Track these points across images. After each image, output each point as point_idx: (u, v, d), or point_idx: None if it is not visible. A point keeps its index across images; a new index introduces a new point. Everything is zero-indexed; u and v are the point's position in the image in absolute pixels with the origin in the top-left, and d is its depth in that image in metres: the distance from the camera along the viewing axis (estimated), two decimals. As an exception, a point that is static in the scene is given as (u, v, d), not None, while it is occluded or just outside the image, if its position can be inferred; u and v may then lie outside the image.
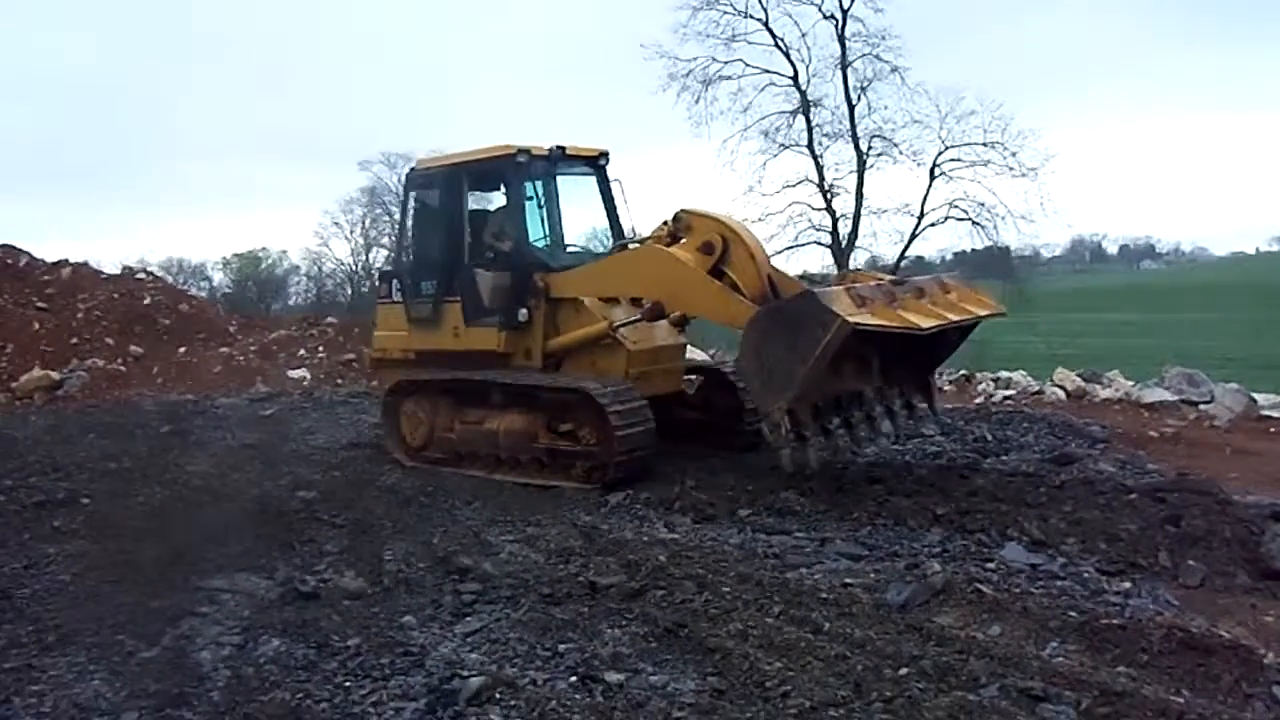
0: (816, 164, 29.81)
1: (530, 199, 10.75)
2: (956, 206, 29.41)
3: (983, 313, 8.90)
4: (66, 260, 22.63)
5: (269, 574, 6.53)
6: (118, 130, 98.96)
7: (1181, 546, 6.76)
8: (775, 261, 28.23)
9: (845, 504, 8.22)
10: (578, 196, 11.19)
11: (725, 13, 29.01)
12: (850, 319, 7.37)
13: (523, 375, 9.83)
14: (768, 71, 29.62)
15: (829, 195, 29.88)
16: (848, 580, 6.24)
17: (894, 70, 28.69)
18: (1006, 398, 16.09)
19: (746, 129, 29.64)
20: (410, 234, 11.30)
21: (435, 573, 6.54)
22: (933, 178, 29.19)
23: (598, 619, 5.67)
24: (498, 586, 6.24)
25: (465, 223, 10.56)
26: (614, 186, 10.99)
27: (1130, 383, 15.18)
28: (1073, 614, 5.59)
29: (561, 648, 5.27)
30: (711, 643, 5.20)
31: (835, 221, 30.06)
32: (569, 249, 11.00)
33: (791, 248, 30.32)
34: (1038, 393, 16.17)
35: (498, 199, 11.34)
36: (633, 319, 9.63)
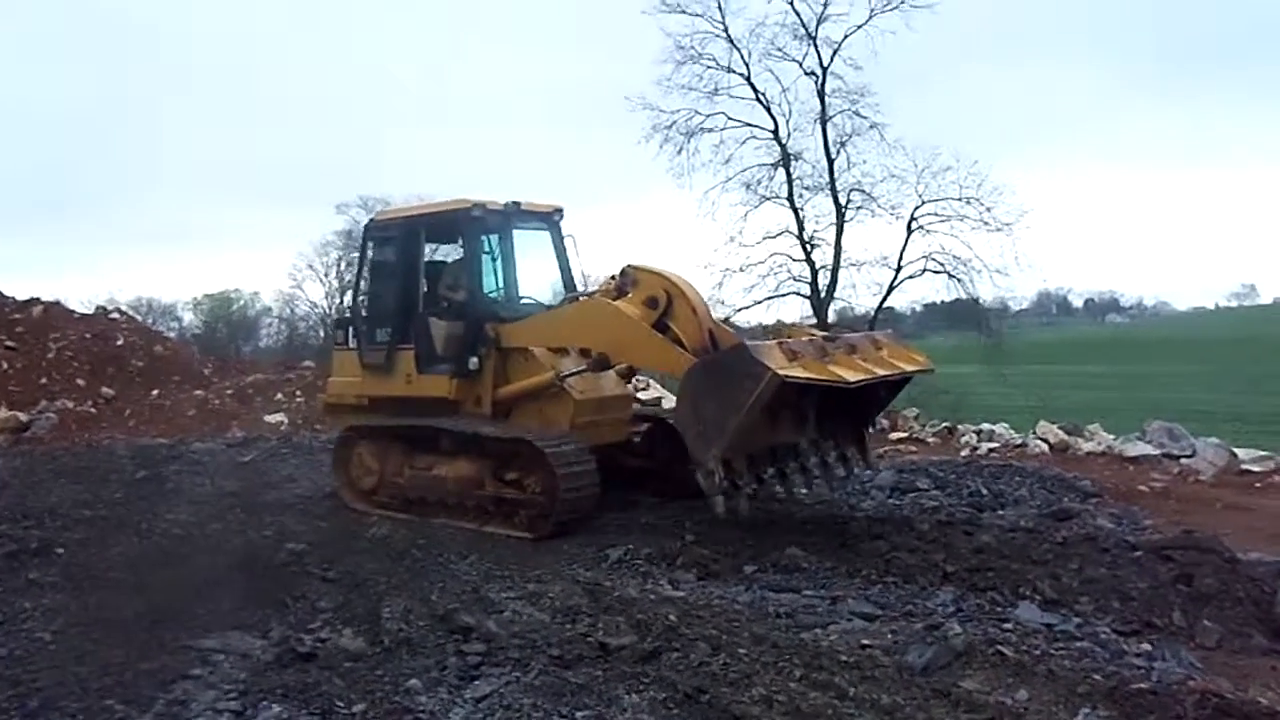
0: (796, 216, 29.95)
1: (486, 252, 10.99)
2: (933, 259, 29.67)
3: (910, 369, 9.20)
4: (38, 299, 22.20)
5: (263, 633, 6.23)
6: (85, 166, 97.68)
7: (1195, 606, 6.68)
8: (755, 311, 27.67)
9: (851, 560, 8.09)
10: (533, 251, 11.41)
11: (709, 67, 29.24)
12: (780, 371, 7.66)
13: (470, 423, 9.96)
14: (749, 125, 29.80)
15: (809, 247, 30.06)
16: (865, 641, 6.07)
17: (873, 126, 28.91)
18: (991, 450, 16.16)
19: (728, 180, 29.75)
20: (367, 283, 11.54)
21: (437, 632, 6.27)
22: (910, 231, 29.46)
23: (613, 683, 5.43)
24: (504, 647, 5.98)
25: (421, 273, 10.81)
26: (567, 241, 11.30)
27: (1111, 436, 15.25)
28: (1098, 677, 5.46)
29: (579, 715, 5.04)
30: (736, 710, 4.99)
31: (815, 273, 30.20)
32: (523, 301, 11.08)
33: (771, 298, 30.42)
34: (1020, 445, 16.18)
35: (453, 251, 11.60)
36: (578, 369, 9.84)
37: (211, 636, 6.12)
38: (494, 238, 11.05)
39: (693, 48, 29.01)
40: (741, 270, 29.82)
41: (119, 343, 21.04)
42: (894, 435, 17.85)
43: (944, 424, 18.37)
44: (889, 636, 6.19)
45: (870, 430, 10.37)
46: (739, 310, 30.51)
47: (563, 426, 9.72)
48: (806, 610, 6.79)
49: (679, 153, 29.53)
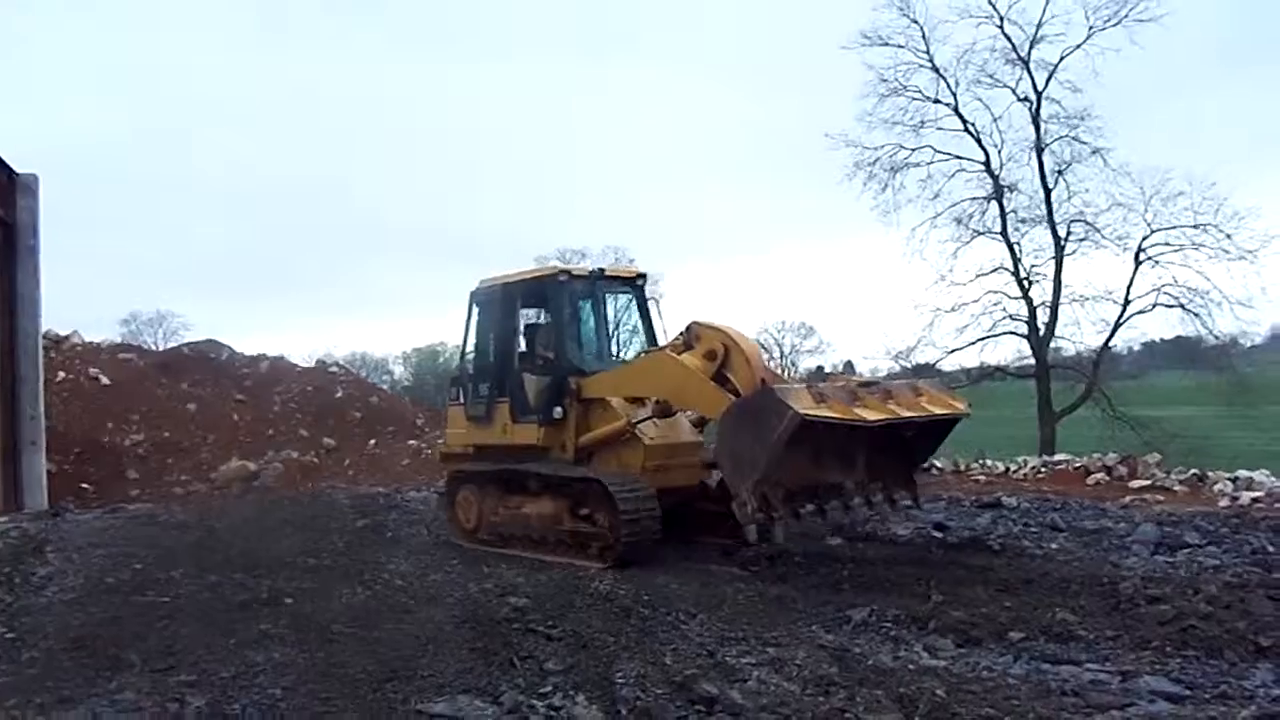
0: (1011, 251, 28.43)
1: (572, 314, 11.96)
2: (1165, 293, 27.28)
3: (941, 411, 9.73)
4: (265, 354, 23.50)
5: (493, 697, 5.80)
6: (305, 232, 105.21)
7: None
8: (970, 351, 26.66)
9: (1132, 627, 7.09)
10: (619, 312, 12.78)
11: (914, 99, 28.33)
12: (802, 411, 8.45)
13: (552, 466, 11.10)
14: (958, 157, 28.73)
15: (1026, 283, 28.25)
16: (1182, 731, 5.11)
17: (1095, 152, 27.15)
18: (1256, 501, 14.43)
19: (936, 216, 28.71)
20: (473, 343, 12.53)
21: (676, 701, 5.69)
22: (1138, 263, 27.28)
23: (885, 770, 4.72)
24: (753, 722, 5.36)
25: (518, 333, 12.16)
26: (650, 304, 12.37)
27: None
28: None
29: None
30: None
31: (1033, 311, 28.39)
32: (610, 358, 12.21)
33: (985, 338, 28.86)
34: (1288, 494, 14.50)
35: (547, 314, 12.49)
36: (645, 416, 10.74)
37: (441, 700, 5.75)
38: (581, 301, 12.08)
39: (896, 80, 28.25)
40: (953, 310, 28.65)
41: (338, 395, 21.90)
42: (1135, 483, 16.40)
43: (1192, 471, 16.68)
44: (1209, 726, 5.20)
45: (918, 473, 10.85)
46: (951, 352, 29.17)
47: (635, 470, 10.61)
48: (1096, 688, 5.84)
49: (884, 190, 28.71)
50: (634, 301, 12.50)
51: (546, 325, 12.16)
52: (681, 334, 10.65)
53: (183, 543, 12.04)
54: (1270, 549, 10.07)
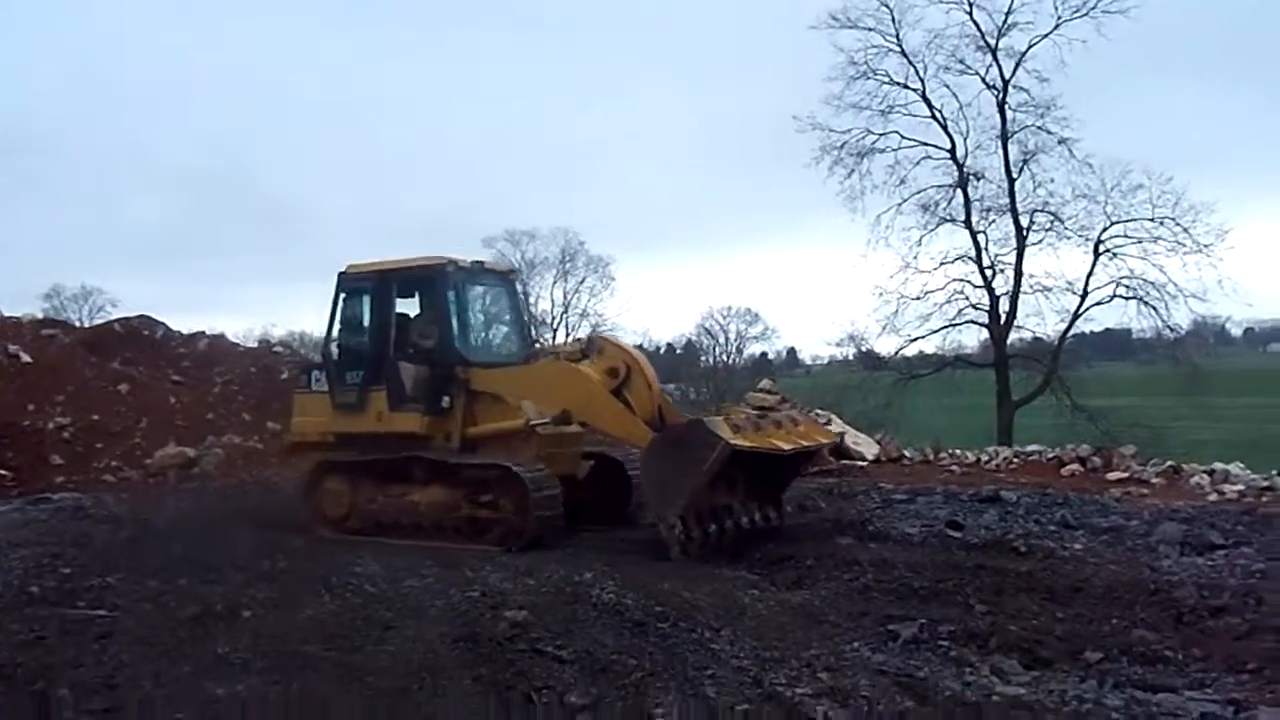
0: (974, 240, 28.22)
1: (453, 304, 11.75)
2: (1123, 284, 27.31)
3: (824, 441, 11.76)
4: (203, 332, 22.09)
5: (517, 746, 4.85)
6: (238, 209, 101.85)
7: None
8: (931, 340, 26.52)
9: (1211, 644, 6.37)
10: (492, 305, 13.18)
11: (882, 83, 27.84)
12: (732, 441, 9.27)
13: (445, 454, 11.06)
14: (925, 144, 28.48)
15: (990, 272, 28.01)
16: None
17: (1061, 142, 27.04)
18: (1241, 494, 14.03)
19: (902, 203, 28.46)
20: (340, 330, 12.18)
21: (739, 749, 4.78)
22: (1097, 254, 27.31)
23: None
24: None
25: (392, 322, 11.74)
26: (521, 300, 12.79)
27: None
28: None
29: None
30: None
31: (994, 300, 28.19)
32: (487, 349, 12.52)
33: (947, 326, 28.64)
34: (1268, 487, 14.11)
35: (417, 303, 12.42)
36: (544, 420, 10.81)
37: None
38: (464, 291, 11.97)
39: (865, 63, 27.73)
40: (918, 298, 28.45)
41: (283, 376, 20.52)
42: (1111, 475, 15.94)
43: (1167, 463, 16.29)
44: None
45: (785, 493, 11.40)
46: (914, 340, 28.96)
47: (528, 459, 10.73)
48: (1214, 723, 5.06)
49: (850, 175, 28.22)
50: (508, 296, 12.91)
51: (428, 314, 12.00)
52: (579, 340, 11.22)
53: (117, 540, 10.85)
54: (1298, 548, 9.50)
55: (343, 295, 12.00)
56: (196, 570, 8.99)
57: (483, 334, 12.86)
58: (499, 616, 7.10)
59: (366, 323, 11.93)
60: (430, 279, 11.67)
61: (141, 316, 21.94)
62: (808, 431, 10.91)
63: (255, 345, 23.23)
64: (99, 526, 11.86)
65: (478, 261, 12.50)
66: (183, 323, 22.88)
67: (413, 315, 12.24)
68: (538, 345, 12.77)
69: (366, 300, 11.93)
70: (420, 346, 11.67)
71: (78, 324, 30.17)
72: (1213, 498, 13.95)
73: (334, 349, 12.29)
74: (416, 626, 7.00)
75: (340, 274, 12.04)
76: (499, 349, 12.76)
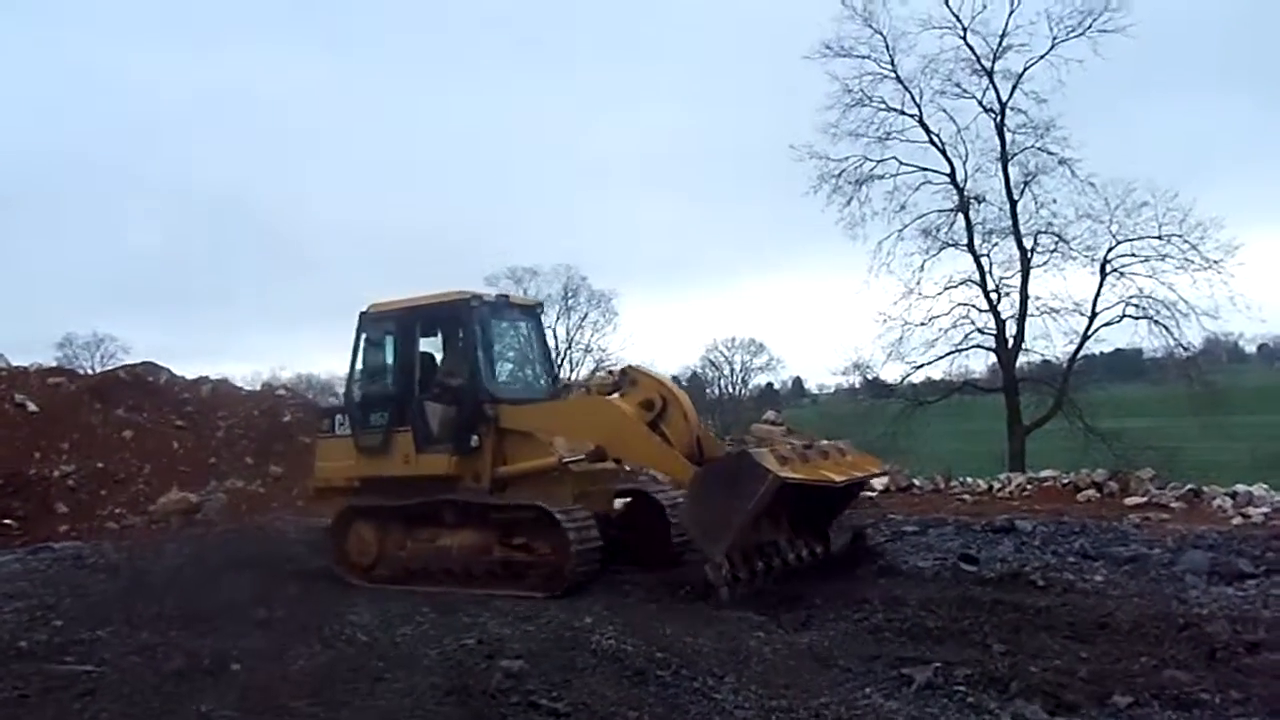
0: (978, 263, 27.81)
1: (478, 340, 11.30)
2: (1132, 304, 26.87)
3: (875, 471, 11.50)
4: (207, 377, 21.94)
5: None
6: (242, 249, 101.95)
7: None
8: (938, 366, 26.25)
9: (1245, 684, 6.04)
10: (518, 340, 12.63)
11: (879, 109, 27.61)
12: (781, 474, 8.76)
13: (481, 496, 10.61)
14: (924, 169, 27.98)
15: (996, 296, 27.70)
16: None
17: (1062, 162, 26.58)
18: (1268, 517, 13.66)
19: (903, 228, 27.92)
20: (362, 370, 11.79)
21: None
22: (1104, 274, 26.85)
23: None
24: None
25: (417, 360, 11.37)
26: (548, 334, 12.43)
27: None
28: None
29: None
30: None
31: (1000, 323, 27.81)
32: (514, 385, 12.02)
33: (954, 351, 28.25)
34: (1293, 509, 13.76)
35: (439, 341, 12.06)
36: (578, 457, 10.48)
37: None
38: (490, 327, 11.55)
39: (861, 91, 27.54)
40: (922, 324, 27.93)
41: (286, 419, 20.37)
42: (1129, 500, 15.59)
43: (1187, 487, 15.93)
44: None
45: (833, 528, 10.89)
46: (919, 367, 28.59)
47: (563, 499, 10.30)
48: (1250, 773, 4.75)
49: (849, 203, 27.98)
50: (533, 330, 12.46)
51: (454, 351, 11.65)
52: (611, 372, 10.72)
53: (113, 590, 10.67)
54: (1335, 578, 9.15)
55: (364, 335, 11.68)
56: (190, 621, 8.79)
57: (510, 370, 12.47)
58: (494, 666, 6.84)
59: (390, 362, 11.61)
60: (455, 315, 11.28)
61: (146, 363, 21.87)
62: (857, 462, 10.54)
63: (258, 389, 22.97)
64: (96, 575, 11.69)
65: (502, 295, 12.22)
66: (192, 368, 22.65)
67: (437, 354, 11.91)
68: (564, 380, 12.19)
69: (389, 339, 11.58)
70: (447, 385, 11.25)
71: (87, 371, 30.15)
72: (1237, 521, 13.62)
73: (356, 390, 11.86)
74: (408, 678, 6.76)
75: (361, 313, 11.70)
76: (527, 385, 12.28)
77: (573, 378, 12.77)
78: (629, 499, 11.57)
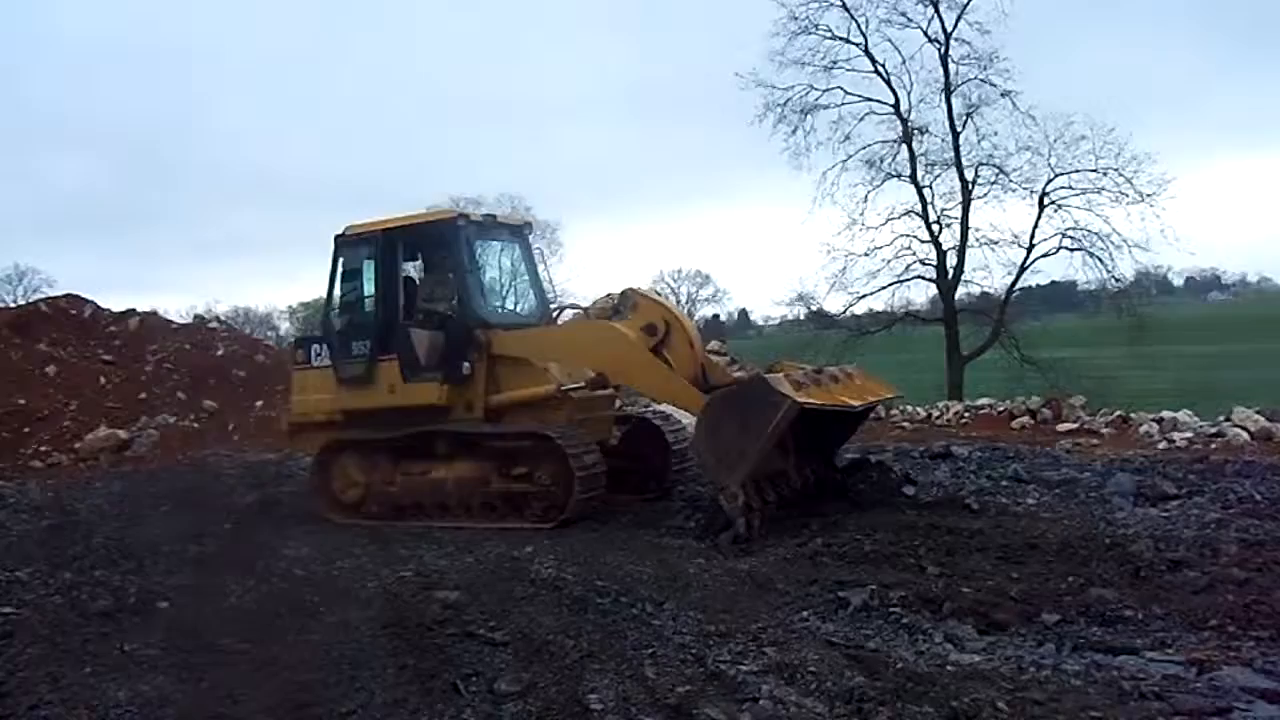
0: (920, 195, 27.93)
1: (471, 260, 10.91)
2: (1069, 236, 27.28)
3: (887, 395, 10.89)
4: (134, 310, 21.19)
5: (438, 740, 4.50)
6: (174, 178, 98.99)
7: None
8: (880, 297, 26.53)
9: (1170, 601, 6.14)
10: (506, 262, 12.05)
11: (825, 38, 27.29)
12: (799, 399, 8.31)
13: (474, 425, 10.19)
14: (868, 99, 27.86)
15: (937, 227, 27.86)
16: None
17: (1004, 94, 26.64)
18: (1191, 442, 14.03)
19: (848, 159, 27.89)
20: (341, 297, 11.20)
21: (676, 732, 4.47)
22: (1042, 207, 27.18)
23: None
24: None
25: (400, 284, 10.88)
26: (535, 254, 11.88)
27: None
28: None
29: None
30: None
31: (942, 255, 28.04)
32: (504, 310, 11.54)
33: (895, 283, 28.47)
34: (1216, 434, 14.12)
35: (425, 264, 11.61)
36: (578, 385, 10.24)
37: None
38: (477, 248, 11.09)
39: (807, 18, 27.17)
40: (865, 255, 28.10)
41: (219, 353, 19.88)
42: (1062, 426, 16.00)
43: (1116, 413, 16.31)
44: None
45: (838, 455, 10.63)
46: (862, 297, 28.78)
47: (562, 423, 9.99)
48: (1176, 686, 4.83)
49: (794, 132, 27.78)
50: (522, 251, 11.86)
51: (439, 274, 11.10)
52: (611, 295, 10.16)
53: (35, 530, 10.33)
54: (1258, 497, 9.38)
55: (342, 259, 11.03)
56: (117, 560, 8.56)
57: (500, 293, 11.93)
58: (431, 598, 6.75)
59: (371, 287, 10.96)
60: (441, 235, 10.77)
61: (69, 295, 21.09)
62: (870, 386, 10.10)
63: (189, 322, 22.34)
64: (18, 516, 11.28)
65: (489, 215, 11.74)
66: (120, 302, 21.89)
67: (420, 277, 11.44)
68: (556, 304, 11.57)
69: (370, 263, 10.94)
70: (434, 310, 10.75)
71: (7, 305, 29.10)
72: (1163, 446, 13.98)
73: (335, 318, 11.29)
74: (343, 611, 6.64)
75: (338, 236, 11.07)
76: (518, 309, 11.77)
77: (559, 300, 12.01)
78: (627, 426, 11.25)
